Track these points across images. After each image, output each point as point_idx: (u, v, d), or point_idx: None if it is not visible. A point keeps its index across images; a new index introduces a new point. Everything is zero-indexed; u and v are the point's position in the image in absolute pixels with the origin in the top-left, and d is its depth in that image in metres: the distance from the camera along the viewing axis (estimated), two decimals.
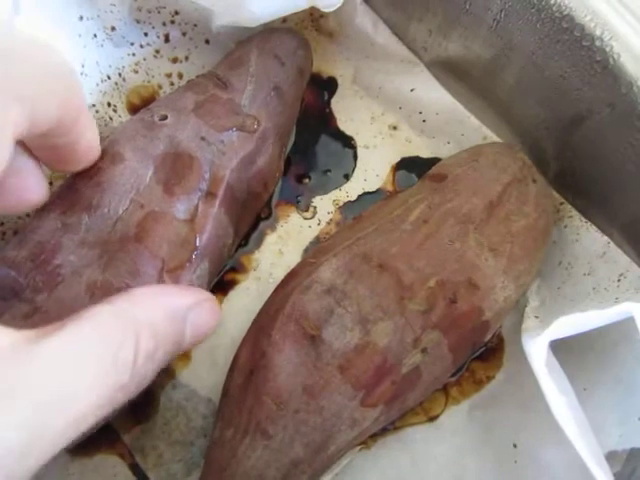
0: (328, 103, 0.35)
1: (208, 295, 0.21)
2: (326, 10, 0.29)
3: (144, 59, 0.33)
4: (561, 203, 0.31)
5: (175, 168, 0.26)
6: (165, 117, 0.27)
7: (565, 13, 0.25)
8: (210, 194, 0.26)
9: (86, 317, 0.16)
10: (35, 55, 0.18)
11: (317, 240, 0.32)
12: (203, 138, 0.27)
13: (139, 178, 0.25)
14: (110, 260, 0.23)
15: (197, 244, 0.25)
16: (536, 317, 0.29)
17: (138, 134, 0.26)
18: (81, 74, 0.31)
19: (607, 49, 0.25)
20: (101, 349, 0.15)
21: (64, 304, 0.22)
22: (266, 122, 0.29)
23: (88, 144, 0.23)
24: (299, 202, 0.33)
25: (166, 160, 0.26)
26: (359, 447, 0.27)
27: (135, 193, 0.25)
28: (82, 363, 0.15)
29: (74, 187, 0.25)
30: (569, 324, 0.24)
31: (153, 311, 0.18)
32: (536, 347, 0.24)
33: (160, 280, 0.24)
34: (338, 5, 0.29)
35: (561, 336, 0.24)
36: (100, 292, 0.23)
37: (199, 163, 0.26)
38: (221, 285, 0.31)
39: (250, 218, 0.30)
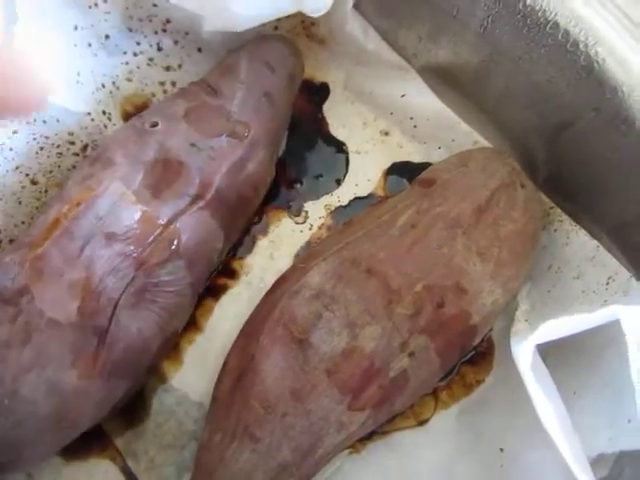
0: (320, 109, 0.35)
1: None
2: (313, 15, 0.30)
3: (138, 67, 0.33)
4: (551, 207, 0.31)
5: (164, 174, 0.26)
6: (156, 124, 0.27)
7: (550, 18, 0.25)
8: (197, 198, 0.27)
9: None
10: None
11: (308, 245, 0.32)
12: (193, 144, 0.27)
13: (128, 183, 0.25)
14: (93, 258, 0.24)
15: (174, 245, 0.26)
16: (526, 321, 0.29)
17: (129, 140, 0.27)
18: (77, 82, 0.31)
19: (592, 54, 0.25)
20: None
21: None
22: (256, 128, 0.29)
23: None
24: (291, 207, 0.33)
25: (156, 166, 0.26)
26: (349, 451, 0.27)
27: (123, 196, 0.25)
28: None
29: (67, 192, 0.26)
30: (556, 327, 0.24)
31: None
32: (523, 351, 0.24)
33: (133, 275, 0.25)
34: (324, 11, 0.29)
35: (548, 339, 0.24)
36: (82, 292, 0.24)
37: (188, 169, 0.26)
38: (213, 290, 0.31)
39: (241, 223, 0.31)
